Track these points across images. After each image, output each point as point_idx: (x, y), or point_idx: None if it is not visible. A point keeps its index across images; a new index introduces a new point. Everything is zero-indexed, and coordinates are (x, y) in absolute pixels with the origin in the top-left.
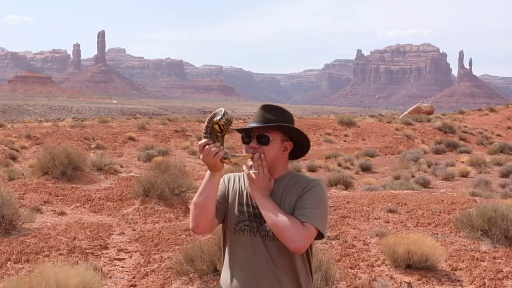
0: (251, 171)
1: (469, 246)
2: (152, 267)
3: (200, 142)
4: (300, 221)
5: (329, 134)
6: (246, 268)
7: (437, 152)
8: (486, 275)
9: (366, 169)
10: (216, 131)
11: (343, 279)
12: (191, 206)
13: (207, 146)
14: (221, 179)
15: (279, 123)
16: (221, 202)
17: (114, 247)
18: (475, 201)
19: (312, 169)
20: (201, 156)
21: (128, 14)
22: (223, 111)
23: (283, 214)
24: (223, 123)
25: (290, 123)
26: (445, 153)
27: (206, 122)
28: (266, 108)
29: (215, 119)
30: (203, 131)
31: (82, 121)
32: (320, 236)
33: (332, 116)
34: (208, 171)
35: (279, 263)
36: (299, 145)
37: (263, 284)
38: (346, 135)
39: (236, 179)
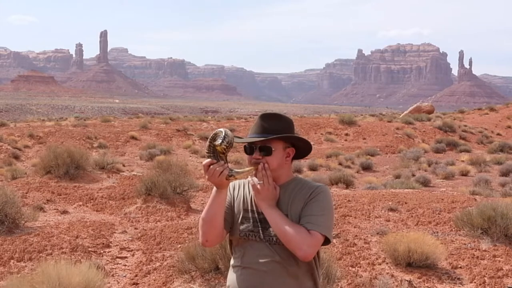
0: (255, 181)
1: (469, 245)
2: (154, 266)
3: (204, 163)
4: (306, 229)
5: (330, 133)
6: (253, 271)
7: (437, 151)
8: (486, 273)
9: (366, 168)
10: (218, 151)
11: (344, 277)
12: (200, 222)
13: (211, 166)
14: (227, 192)
15: (279, 135)
16: (228, 212)
17: (117, 245)
18: (475, 199)
19: (313, 168)
20: (206, 176)
21: (130, 14)
22: (223, 134)
23: (289, 223)
24: (224, 147)
25: (290, 129)
26: (445, 152)
27: (208, 142)
28: (265, 118)
29: (216, 143)
30: (205, 150)
31: (85, 120)
32: (326, 242)
33: (333, 115)
34: (215, 188)
35: (287, 266)
36: (301, 149)
37: (270, 286)
38: (347, 134)
39: (241, 186)
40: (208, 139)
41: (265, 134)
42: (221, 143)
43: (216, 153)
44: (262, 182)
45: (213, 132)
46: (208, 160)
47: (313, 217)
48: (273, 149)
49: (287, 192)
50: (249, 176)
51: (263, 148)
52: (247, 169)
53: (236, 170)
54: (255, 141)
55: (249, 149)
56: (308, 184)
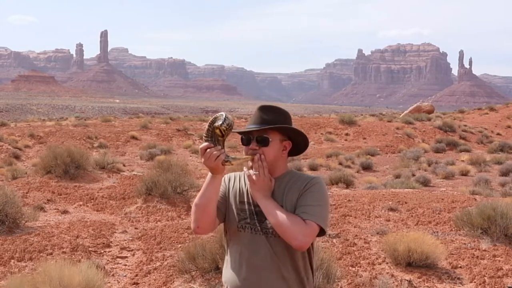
0: (251, 172)
1: (469, 244)
2: (154, 265)
3: (201, 146)
4: (302, 219)
5: (330, 133)
6: (249, 265)
7: (437, 151)
8: (486, 273)
9: (367, 167)
10: (217, 135)
11: (344, 277)
12: (193, 208)
13: (208, 150)
14: (222, 179)
15: (277, 125)
16: (222, 202)
17: (117, 245)
18: (475, 199)
19: (313, 168)
20: (202, 160)
21: (131, 14)
22: (223, 116)
23: (285, 213)
24: (224, 128)
25: (288, 122)
26: (445, 151)
27: (207, 126)
28: (264, 109)
29: (216, 124)
30: (204, 134)
31: (85, 120)
32: (322, 232)
33: (333, 115)
34: (210, 173)
35: (283, 259)
36: (298, 143)
37: (266, 280)
38: (347, 134)
39: (237, 178)
40: (208, 123)
41: (263, 125)
42: (221, 124)
43: (215, 137)
44: (258, 172)
45: (213, 116)
46: (206, 143)
47: (308, 207)
48: (270, 140)
49: (282, 184)
50: (244, 167)
51: (260, 139)
52: (243, 157)
53: (233, 156)
54: (253, 131)
55: (246, 139)
56: (303, 176)
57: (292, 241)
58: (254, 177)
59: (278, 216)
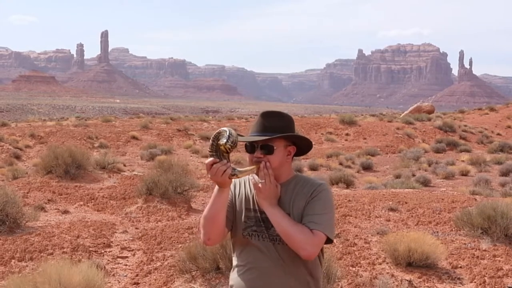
0: (257, 179)
1: (469, 244)
2: (155, 265)
3: (206, 162)
4: (309, 229)
5: (330, 133)
6: (256, 271)
7: (437, 151)
8: (486, 273)
9: (367, 168)
10: (221, 150)
11: (344, 277)
12: (201, 220)
13: (214, 165)
14: (229, 191)
15: (281, 135)
16: (230, 210)
17: (117, 245)
18: (475, 199)
19: (313, 168)
20: (209, 175)
21: (131, 14)
22: (227, 133)
23: (292, 223)
24: (229, 147)
25: (291, 127)
26: (446, 152)
27: (210, 141)
28: (266, 116)
29: (220, 142)
30: (208, 149)
31: (86, 120)
32: (328, 241)
33: (334, 115)
34: (217, 187)
35: (290, 265)
36: (302, 147)
37: (274, 286)
38: (347, 134)
39: (242, 184)
40: (211, 138)
41: (267, 132)
42: (225, 143)
43: (219, 152)
44: (263, 181)
45: (216, 131)
46: (211, 159)
47: (315, 216)
48: (274, 147)
49: (288, 191)
50: (250, 175)
51: (265, 147)
52: (249, 168)
53: (239, 169)
54: (257, 140)
55: (250, 147)
56: (309, 181)
57: (300, 251)
58: (260, 185)
59: (285, 226)
